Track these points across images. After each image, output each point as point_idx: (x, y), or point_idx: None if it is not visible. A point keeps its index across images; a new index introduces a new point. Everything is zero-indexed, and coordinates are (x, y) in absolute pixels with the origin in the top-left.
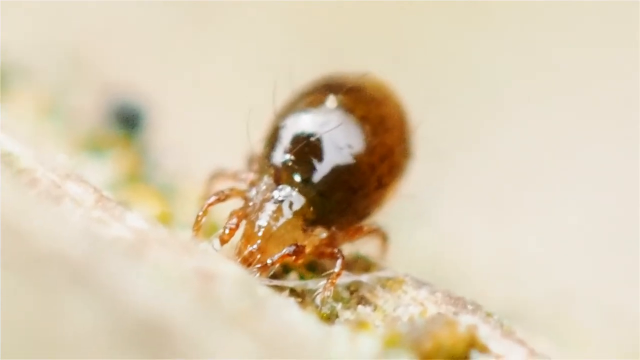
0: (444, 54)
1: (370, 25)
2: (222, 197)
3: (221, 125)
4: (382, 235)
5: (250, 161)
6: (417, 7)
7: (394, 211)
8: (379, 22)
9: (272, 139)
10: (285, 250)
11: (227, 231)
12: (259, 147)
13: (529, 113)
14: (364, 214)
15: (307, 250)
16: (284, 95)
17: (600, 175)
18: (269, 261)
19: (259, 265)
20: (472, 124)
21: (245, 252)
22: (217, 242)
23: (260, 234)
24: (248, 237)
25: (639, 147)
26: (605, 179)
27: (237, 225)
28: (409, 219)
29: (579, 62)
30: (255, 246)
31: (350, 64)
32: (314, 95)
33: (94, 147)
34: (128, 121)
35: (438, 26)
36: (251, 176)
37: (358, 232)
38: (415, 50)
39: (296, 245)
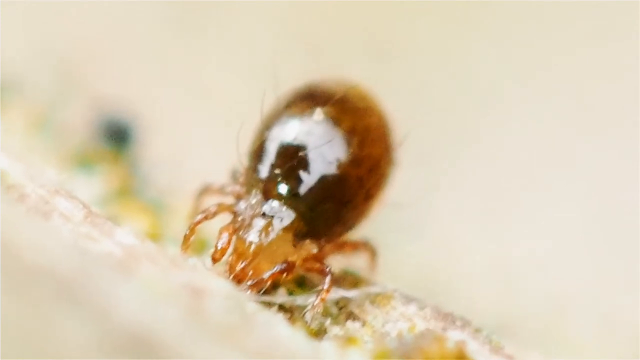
0: (434, 58)
1: (361, 29)
2: (210, 216)
3: (211, 140)
4: (370, 250)
5: (235, 173)
6: (406, 9)
7: (383, 222)
8: (369, 25)
9: (259, 153)
10: (277, 268)
11: (218, 249)
12: (245, 160)
13: (521, 118)
14: (352, 225)
15: (297, 263)
16: (268, 102)
17: (594, 181)
18: (259, 279)
19: (250, 282)
20: (463, 130)
21: (237, 269)
22: (209, 260)
23: (251, 250)
24: (239, 254)
25: (634, 152)
26: (600, 185)
27: (229, 243)
28: (398, 230)
29: (573, 63)
30: (246, 263)
31: (339, 68)
32: (298, 107)
33: (84, 162)
34: (117, 136)
35: (428, 29)
36: (237, 189)
37: (348, 246)
38: (406, 54)
39: (287, 262)
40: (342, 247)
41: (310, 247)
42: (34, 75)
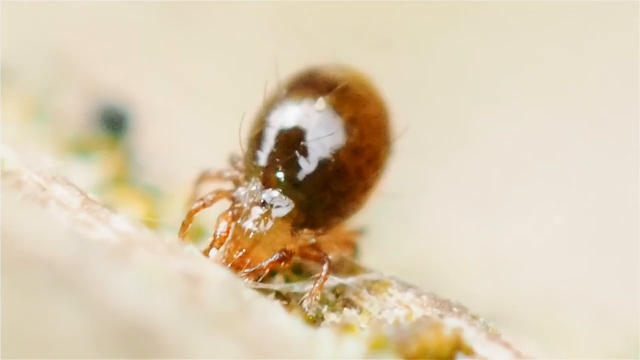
0: (430, 50)
1: (358, 19)
2: (207, 203)
3: (207, 127)
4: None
5: (233, 158)
6: (405, 1)
7: (379, 212)
8: (366, 15)
9: (259, 139)
10: (275, 257)
11: (217, 237)
12: (244, 146)
13: (515, 111)
14: (350, 215)
15: (295, 252)
16: (269, 89)
17: (586, 173)
18: (257, 267)
19: (247, 270)
20: (458, 122)
21: (235, 257)
22: (214, 250)
23: (249, 238)
24: (237, 242)
25: (626, 144)
26: (592, 177)
27: (228, 231)
28: (393, 220)
29: (566, 59)
30: (244, 251)
31: (336, 58)
32: (300, 94)
33: (80, 149)
34: (114, 123)
35: (426, 21)
36: (236, 174)
37: (341, 241)
38: (402, 46)
39: (285, 251)
40: (337, 240)
41: (308, 237)
42: (30, 64)
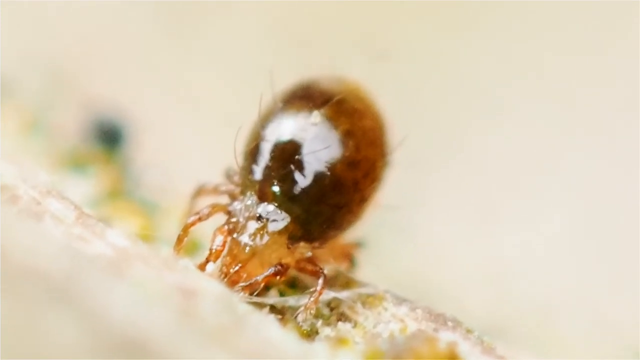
0: (427, 60)
1: (356, 29)
2: (203, 217)
3: (202, 140)
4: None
5: (229, 172)
6: (401, 10)
7: (376, 224)
8: (365, 25)
9: (255, 153)
10: (270, 271)
11: (213, 251)
12: (240, 160)
13: (513, 122)
14: (346, 227)
15: (291, 266)
16: (265, 102)
17: (582, 183)
18: (253, 281)
19: (243, 284)
20: (455, 132)
21: (231, 272)
22: (211, 264)
23: (245, 252)
24: (233, 256)
25: (623, 155)
26: (589, 186)
27: (224, 245)
28: (390, 232)
29: (564, 69)
30: (239, 265)
31: (332, 68)
32: (296, 107)
33: (76, 163)
34: (109, 137)
35: (424, 32)
36: (232, 188)
37: (341, 256)
38: (398, 56)
39: (281, 264)
40: (333, 253)
41: (305, 250)
42: (25, 77)
